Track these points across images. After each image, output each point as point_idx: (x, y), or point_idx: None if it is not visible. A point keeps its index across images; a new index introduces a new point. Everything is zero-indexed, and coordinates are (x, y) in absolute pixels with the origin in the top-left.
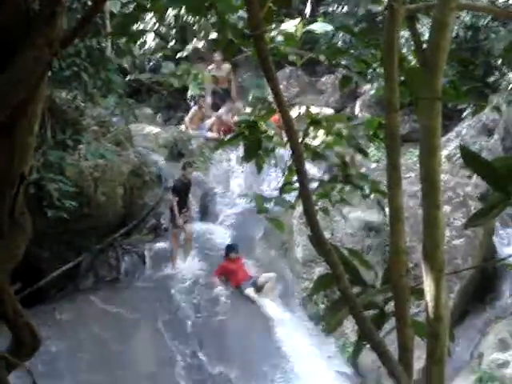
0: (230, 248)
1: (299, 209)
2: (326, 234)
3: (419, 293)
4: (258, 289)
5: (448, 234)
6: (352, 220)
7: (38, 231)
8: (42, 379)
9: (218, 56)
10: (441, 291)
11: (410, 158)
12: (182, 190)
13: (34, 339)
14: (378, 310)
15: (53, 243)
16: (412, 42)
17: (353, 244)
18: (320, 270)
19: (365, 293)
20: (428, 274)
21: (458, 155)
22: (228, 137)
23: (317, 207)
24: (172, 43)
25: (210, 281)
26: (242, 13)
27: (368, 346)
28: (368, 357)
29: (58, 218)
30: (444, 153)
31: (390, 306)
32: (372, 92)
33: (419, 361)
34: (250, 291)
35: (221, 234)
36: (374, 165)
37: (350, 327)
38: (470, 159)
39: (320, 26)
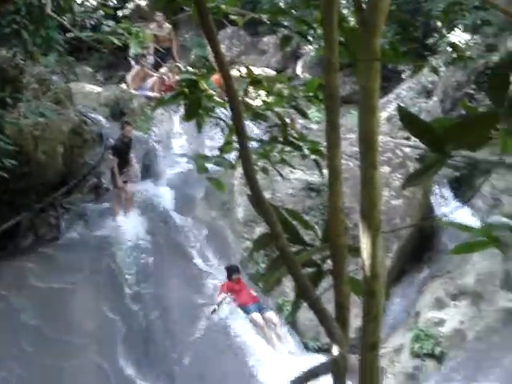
0: (232, 270)
1: (240, 169)
2: (267, 195)
3: (356, 251)
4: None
5: (387, 194)
6: (292, 181)
7: None
8: None
9: (159, 15)
10: (377, 250)
11: (351, 119)
12: (122, 150)
13: None
14: (316, 269)
15: None
16: (352, 2)
17: (293, 204)
18: (260, 229)
19: (303, 251)
20: (365, 232)
21: (397, 117)
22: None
23: (257, 167)
24: (113, 1)
25: (217, 297)
26: None
27: (306, 304)
28: (306, 315)
29: None
30: (383, 114)
31: (328, 265)
32: (313, 53)
33: (356, 319)
34: (256, 316)
35: (163, 195)
36: (314, 126)
37: (289, 286)
38: (408, 120)
39: None
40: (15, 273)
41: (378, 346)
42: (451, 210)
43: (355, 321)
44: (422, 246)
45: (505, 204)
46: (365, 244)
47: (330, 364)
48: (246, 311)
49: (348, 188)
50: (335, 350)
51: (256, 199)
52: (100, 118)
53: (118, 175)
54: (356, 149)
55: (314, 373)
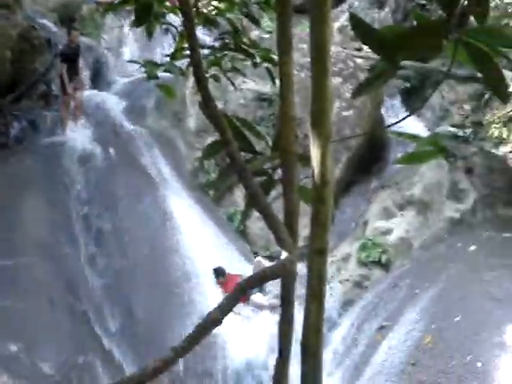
0: (217, 272)
1: (192, 79)
2: (219, 105)
3: (307, 160)
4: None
5: (337, 105)
6: (244, 91)
7: None
8: None
9: None
10: (327, 157)
11: (303, 29)
12: (69, 56)
13: None
14: (267, 177)
15: None
16: None
17: (245, 115)
18: (212, 139)
19: (254, 160)
20: (315, 140)
21: (349, 27)
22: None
23: (208, 75)
24: None
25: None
26: None
27: (257, 214)
28: (257, 225)
29: None
30: (336, 25)
31: (279, 174)
32: None
33: (305, 229)
34: (257, 297)
35: (113, 103)
36: (266, 35)
37: (240, 196)
38: (360, 28)
39: None
40: None
41: (325, 251)
42: (400, 119)
43: (304, 230)
44: (372, 157)
45: (454, 115)
46: (315, 152)
47: (279, 268)
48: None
49: (299, 98)
50: (284, 255)
51: (206, 105)
52: (48, 23)
53: (67, 81)
54: (308, 59)
55: (262, 277)
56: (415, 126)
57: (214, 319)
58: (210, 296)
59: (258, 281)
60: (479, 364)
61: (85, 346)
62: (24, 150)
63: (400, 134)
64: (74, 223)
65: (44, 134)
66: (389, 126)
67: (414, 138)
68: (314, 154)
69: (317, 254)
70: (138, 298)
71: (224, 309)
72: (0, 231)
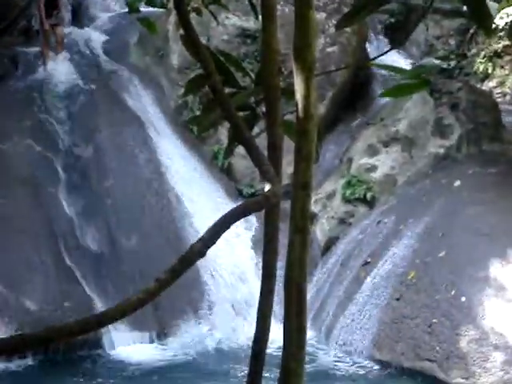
0: None
1: (174, 15)
2: (202, 40)
3: (290, 94)
4: None
5: (322, 41)
6: (228, 27)
7: None
8: None
9: None
10: (311, 90)
11: None
12: None
13: None
14: (250, 112)
15: None
16: None
17: (228, 51)
18: None
19: (238, 95)
20: (298, 73)
21: None
22: None
23: (189, 8)
24: None
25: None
26: None
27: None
28: (241, 163)
29: None
30: None
31: (262, 109)
32: None
33: (290, 166)
34: None
35: (94, 39)
36: None
37: (224, 133)
38: None
39: None
40: None
41: (309, 185)
42: (384, 52)
43: (289, 168)
44: (356, 94)
45: (439, 50)
46: (298, 85)
47: (262, 200)
48: None
49: (283, 34)
50: (267, 187)
51: (188, 37)
52: None
53: (44, 16)
54: None
55: (245, 210)
56: (400, 62)
57: (197, 251)
58: (194, 234)
59: (240, 213)
60: (463, 298)
61: (71, 284)
62: (5, 86)
63: (384, 66)
64: (57, 159)
65: (25, 70)
66: (373, 59)
67: (398, 70)
68: (298, 87)
69: (300, 187)
70: (122, 235)
71: (207, 241)
72: None
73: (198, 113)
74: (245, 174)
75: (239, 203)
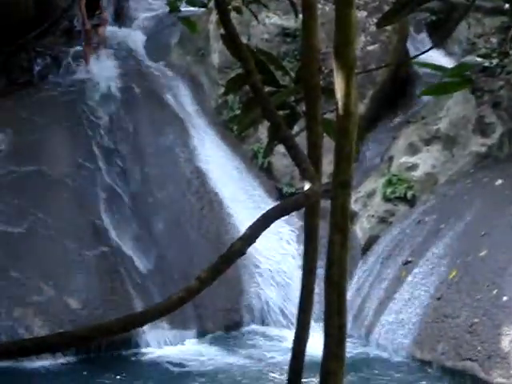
0: None
1: (215, 15)
2: (242, 39)
3: (330, 92)
4: None
5: (363, 39)
6: (268, 26)
7: None
8: None
9: None
10: (351, 88)
11: None
12: None
13: None
14: (290, 110)
15: None
16: None
17: (268, 50)
18: None
19: (278, 94)
20: (339, 72)
21: None
22: None
23: (230, 7)
24: None
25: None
26: None
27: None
28: (281, 162)
29: None
30: None
31: (302, 108)
32: None
33: (330, 166)
34: None
35: (136, 39)
36: None
37: (264, 133)
38: None
39: None
40: None
41: (349, 184)
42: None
43: (329, 167)
44: (397, 92)
45: (480, 48)
46: (339, 83)
47: (302, 198)
48: None
49: (324, 33)
50: (307, 186)
51: (229, 36)
52: None
53: (86, 15)
54: None
55: (285, 208)
56: (442, 61)
57: (237, 249)
58: (234, 233)
59: (280, 212)
60: (505, 298)
61: (113, 283)
62: (48, 86)
63: (425, 65)
64: (97, 158)
65: (67, 70)
66: (414, 57)
67: (439, 68)
68: (338, 85)
69: (340, 186)
70: (165, 235)
71: (247, 239)
72: (26, 165)
73: (238, 112)
74: (284, 173)
75: (279, 202)
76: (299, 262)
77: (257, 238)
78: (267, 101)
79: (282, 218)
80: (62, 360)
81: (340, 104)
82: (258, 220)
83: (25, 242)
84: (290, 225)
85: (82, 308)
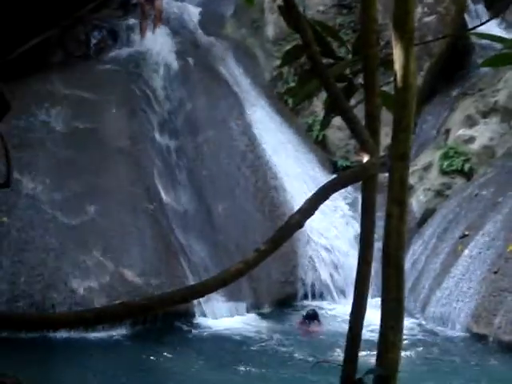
0: (308, 316)
1: None
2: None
3: (389, 63)
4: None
5: (420, 10)
6: None
7: None
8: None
9: None
10: (410, 60)
11: None
12: None
13: (3, 103)
14: (348, 82)
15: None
16: None
17: (325, 21)
18: None
19: (335, 66)
20: (397, 42)
21: None
22: None
23: None
24: None
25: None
26: None
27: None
28: (336, 135)
29: None
30: None
31: (359, 81)
32: None
33: (387, 137)
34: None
35: (191, 12)
36: None
37: (319, 105)
38: None
39: None
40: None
41: (408, 156)
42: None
43: (386, 139)
44: (454, 64)
45: None
46: (397, 54)
47: (360, 171)
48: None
49: (381, 5)
50: (365, 158)
51: (287, 9)
52: None
53: None
54: None
55: (344, 181)
56: (500, 32)
57: (295, 222)
58: (289, 206)
59: (338, 184)
60: None
61: (168, 255)
62: (104, 59)
63: (484, 36)
64: (153, 131)
65: (123, 43)
66: (472, 29)
67: (498, 39)
68: (397, 56)
69: (399, 158)
70: (218, 207)
71: (305, 212)
72: (85, 143)
73: (293, 84)
74: (339, 147)
75: (334, 175)
76: (355, 236)
77: (315, 211)
78: (325, 72)
79: (339, 192)
80: (118, 331)
81: (398, 76)
82: (316, 193)
83: (81, 214)
84: (346, 198)
85: (138, 280)
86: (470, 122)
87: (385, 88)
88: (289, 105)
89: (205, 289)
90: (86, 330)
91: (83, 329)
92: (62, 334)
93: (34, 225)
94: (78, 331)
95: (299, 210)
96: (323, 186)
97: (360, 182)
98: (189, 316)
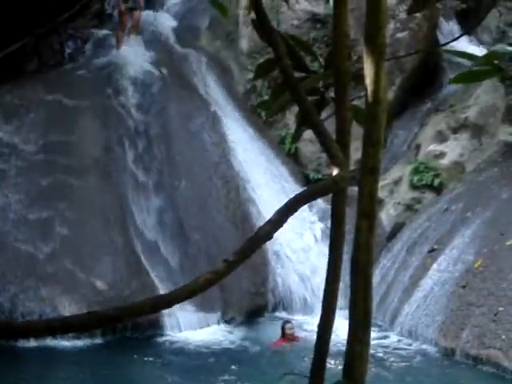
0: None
1: (245, 0)
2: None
3: (359, 78)
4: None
5: (392, 26)
6: (298, 11)
7: None
8: None
9: None
10: (381, 74)
11: None
12: None
13: None
14: (319, 96)
15: None
16: None
17: (298, 36)
18: None
19: (307, 79)
20: (368, 57)
21: None
22: None
23: None
24: None
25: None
26: None
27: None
28: (308, 148)
29: None
30: None
31: (331, 94)
32: None
33: (357, 152)
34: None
35: (166, 24)
36: None
37: (291, 119)
38: None
39: None
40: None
41: (377, 170)
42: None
43: (356, 153)
44: (426, 80)
45: (511, 36)
46: (368, 69)
47: (330, 184)
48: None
49: (353, 19)
50: (335, 171)
51: (260, 23)
52: None
53: None
54: None
55: (313, 193)
56: (471, 49)
57: (264, 234)
58: (260, 217)
59: (308, 197)
60: None
61: (138, 265)
62: (78, 68)
63: (455, 53)
64: (126, 141)
65: (97, 52)
66: (444, 45)
67: (469, 56)
68: (368, 71)
69: (368, 172)
70: (190, 218)
71: (275, 224)
72: (57, 152)
73: (266, 97)
74: (311, 159)
75: (305, 188)
76: (324, 248)
77: (284, 222)
78: (297, 86)
79: (308, 204)
80: (88, 341)
81: (369, 90)
82: (286, 205)
83: (53, 223)
84: (316, 211)
85: (109, 289)
86: (441, 137)
87: (356, 102)
88: (262, 117)
89: (174, 299)
90: (56, 339)
91: (52, 338)
92: (31, 343)
93: (4, 231)
94: (49, 340)
95: (269, 221)
96: (293, 197)
97: (330, 195)
98: (159, 326)
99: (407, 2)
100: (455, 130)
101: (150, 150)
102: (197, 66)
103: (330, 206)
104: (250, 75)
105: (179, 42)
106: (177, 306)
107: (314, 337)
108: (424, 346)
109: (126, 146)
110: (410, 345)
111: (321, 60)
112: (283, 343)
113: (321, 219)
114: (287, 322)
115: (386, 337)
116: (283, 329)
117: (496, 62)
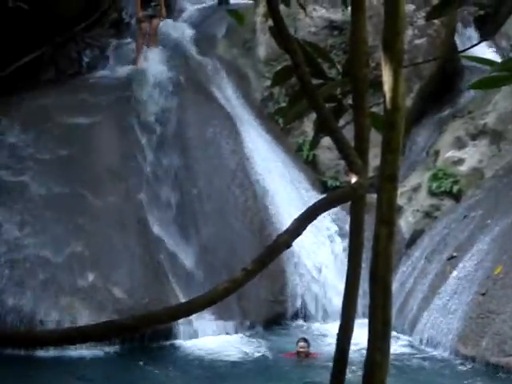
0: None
1: (262, 7)
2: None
3: (378, 85)
4: None
5: (410, 33)
6: (315, 19)
7: None
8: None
9: None
10: (399, 82)
11: None
12: None
13: None
14: (337, 104)
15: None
16: None
17: (316, 43)
18: None
19: (325, 86)
20: (387, 64)
21: None
22: None
23: None
24: None
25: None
26: None
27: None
28: (326, 155)
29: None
30: None
31: (349, 101)
32: None
33: (376, 159)
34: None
35: (184, 32)
36: None
37: (309, 126)
38: None
39: None
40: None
41: (396, 177)
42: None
43: (374, 160)
44: (444, 86)
45: None
46: (386, 76)
47: (348, 191)
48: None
49: (371, 26)
50: (354, 179)
51: (278, 30)
52: None
53: (139, 6)
54: None
55: (332, 201)
56: (490, 55)
57: (283, 242)
58: (278, 225)
59: (327, 204)
60: None
61: (156, 273)
62: (96, 77)
63: (474, 59)
64: (145, 151)
65: (115, 61)
66: (462, 51)
67: (487, 62)
68: (386, 78)
69: (387, 179)
70: (207, 226)
71: (293, 232)
72: (74, 161)
73: (283, 104)
74: (329, 167)
75: (324, 195)
76: (343, 256)
77: (303, 230)
78: (315, 93)
79: (327, 212)
80: (106, 349)
81: (387, 97)
82: (305, 213)
83: (72, 232)
84: (335, 219)
85: (128, 298)
86: (459, 143)
87: (374, 109)
88: (279, 125)
89: (192, 307)
90: (75, 348)
91: (70, 347)
92: (50, 353)
93: (23, 240)
94: (67, 348)
95: (287, 230)
96: (312, 205)
97: (349, 203)
98: (176, 335)
99: (425, 9)
100: (474, 137)
101: (168, 159)
102: (214, 73)
103: (348, 214)
104: (268, 82)
105: (197, 50)
106: (195, 314)
107: (333, 348)
108: (444, 354)
109: (144, 155)
110: (430, 353)
111: (338, 67)
112: (294, 357)
113: (339, 227)
114: (303, 339)
115: (405, 345)
116: (297, 345)
117: None
